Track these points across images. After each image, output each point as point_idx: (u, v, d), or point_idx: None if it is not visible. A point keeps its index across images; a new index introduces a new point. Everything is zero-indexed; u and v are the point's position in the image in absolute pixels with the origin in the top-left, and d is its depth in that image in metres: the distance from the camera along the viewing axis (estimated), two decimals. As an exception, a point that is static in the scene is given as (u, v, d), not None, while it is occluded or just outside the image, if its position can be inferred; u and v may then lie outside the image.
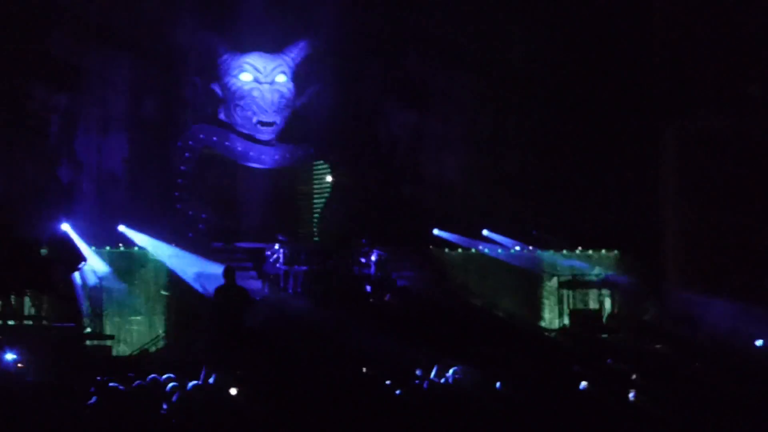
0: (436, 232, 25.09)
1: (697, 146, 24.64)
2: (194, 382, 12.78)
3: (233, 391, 12.84)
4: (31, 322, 19.74)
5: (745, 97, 23.62)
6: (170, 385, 12.60)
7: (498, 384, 12.98)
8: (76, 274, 20.41)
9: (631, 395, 12.93)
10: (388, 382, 13.39)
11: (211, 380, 13.18)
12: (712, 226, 24.08)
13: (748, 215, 23.64)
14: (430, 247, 24.97)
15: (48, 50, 24.13)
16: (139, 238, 22.70)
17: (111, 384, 12.21)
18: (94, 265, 21.26)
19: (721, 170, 23.94)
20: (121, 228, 22.62)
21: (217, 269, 20.69)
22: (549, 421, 11.74)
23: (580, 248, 25.20)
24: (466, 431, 11.69)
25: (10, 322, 19.36)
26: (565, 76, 26.13)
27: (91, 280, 21.16)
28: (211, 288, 20.82)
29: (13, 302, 19.63)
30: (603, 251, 25.32)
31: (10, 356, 16.64)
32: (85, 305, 20.89)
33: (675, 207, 25.07)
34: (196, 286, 22.15)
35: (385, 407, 12.14)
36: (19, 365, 16.52)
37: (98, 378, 12.98)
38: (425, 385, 13.44)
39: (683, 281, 23.72)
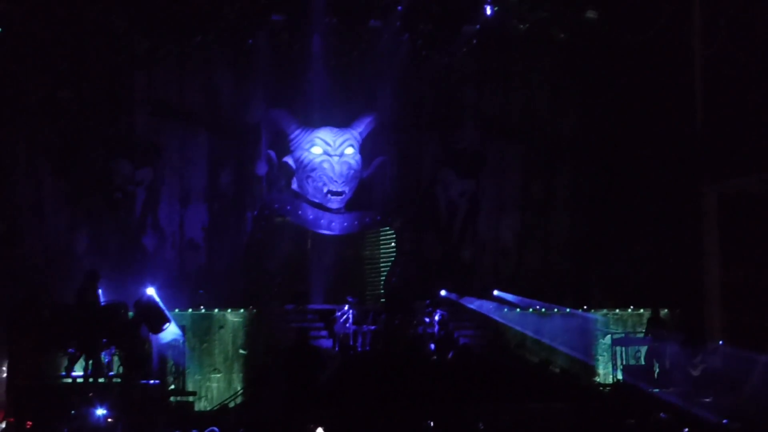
0: (495, 293, 25.65)
1: (737, 207, 25.20)
2: None
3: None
4: (119, 380, 20.19)
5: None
6: None
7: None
8: (161, 335, 20.75)
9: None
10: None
11: None
12: (753, 284, 24.49)
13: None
14: (490, 307, 25.38)
15: (131, 130, 25.53)
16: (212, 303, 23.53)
17: None
18: (176, 326, 21.51)
19: (760, 230, 24.34)
20: (201, 292, 23.55)
21: None
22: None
23: (631, 307, 25.61)
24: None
25: (101, 380, 19.98)
26: (612, 144, 27.00)
27: (175, 339, 21.45)
28: None
29: (103, 361, 20.28)
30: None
31: (100, 411, 17.93)
32: (168, 364, 21.38)
33: (718, 266, 25.52)
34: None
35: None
36: (109, 420, 17.80)
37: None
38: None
39: (728, 338, 23.87)
